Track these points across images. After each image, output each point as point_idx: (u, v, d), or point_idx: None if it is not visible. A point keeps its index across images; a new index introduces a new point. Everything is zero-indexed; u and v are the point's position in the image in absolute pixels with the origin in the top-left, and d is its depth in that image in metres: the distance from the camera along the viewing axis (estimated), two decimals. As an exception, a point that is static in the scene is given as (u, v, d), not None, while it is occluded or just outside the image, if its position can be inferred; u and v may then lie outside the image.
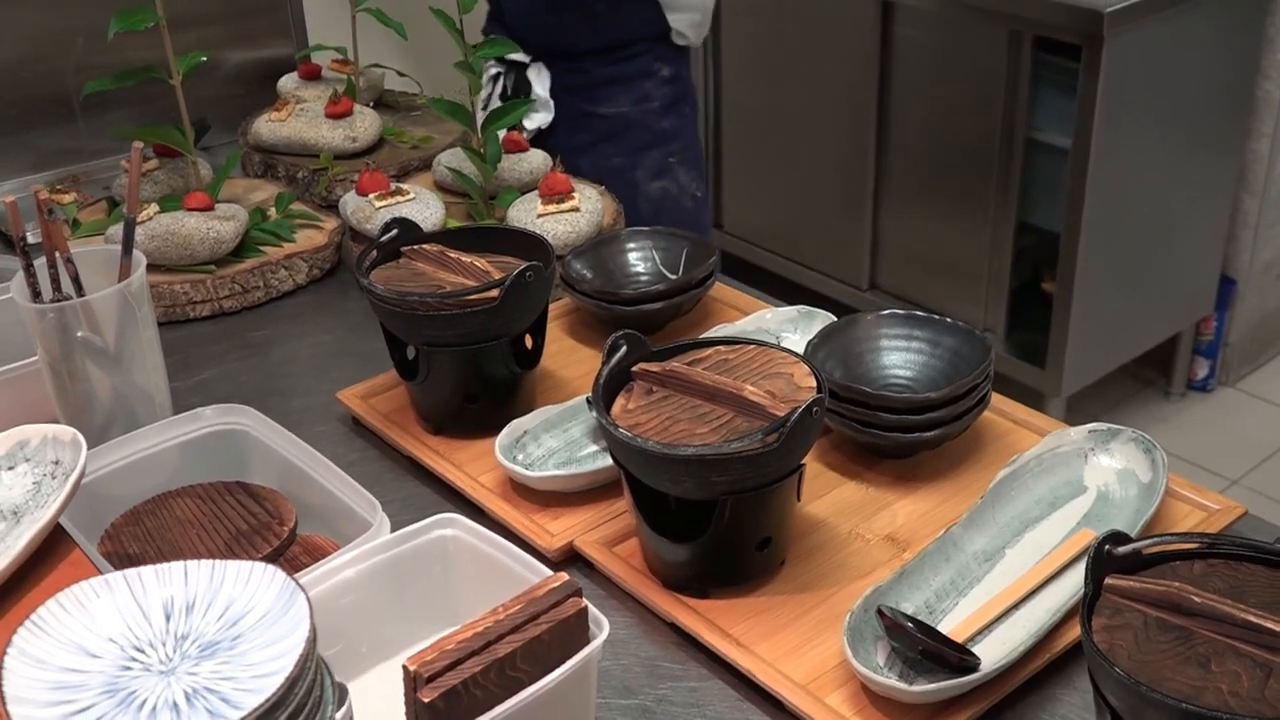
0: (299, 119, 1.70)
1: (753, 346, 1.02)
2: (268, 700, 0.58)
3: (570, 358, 1.30)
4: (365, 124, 1.69)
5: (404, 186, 1.48)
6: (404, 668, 0.78)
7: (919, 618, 0.91)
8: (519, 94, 1.90)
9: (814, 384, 0.97)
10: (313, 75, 1.83)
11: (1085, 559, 0.79)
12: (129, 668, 0.61)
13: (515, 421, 1.13)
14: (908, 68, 2.84)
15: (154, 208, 1.45)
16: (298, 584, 0.63)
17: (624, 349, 1.01)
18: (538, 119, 1.93)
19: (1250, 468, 2.86)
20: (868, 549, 1.02)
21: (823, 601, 0.97)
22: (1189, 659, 0.72)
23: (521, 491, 1.09)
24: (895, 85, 2.87)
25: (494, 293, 1.10)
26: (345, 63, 1.81)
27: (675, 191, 1.99)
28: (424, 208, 1.45)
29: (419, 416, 1.20)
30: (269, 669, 0.60)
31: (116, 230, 1.45)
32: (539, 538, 1.04)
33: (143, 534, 1.04)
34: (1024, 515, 1.02)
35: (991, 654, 0.88)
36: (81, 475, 0.96)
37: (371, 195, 1.46)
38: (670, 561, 0.98)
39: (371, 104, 1.83)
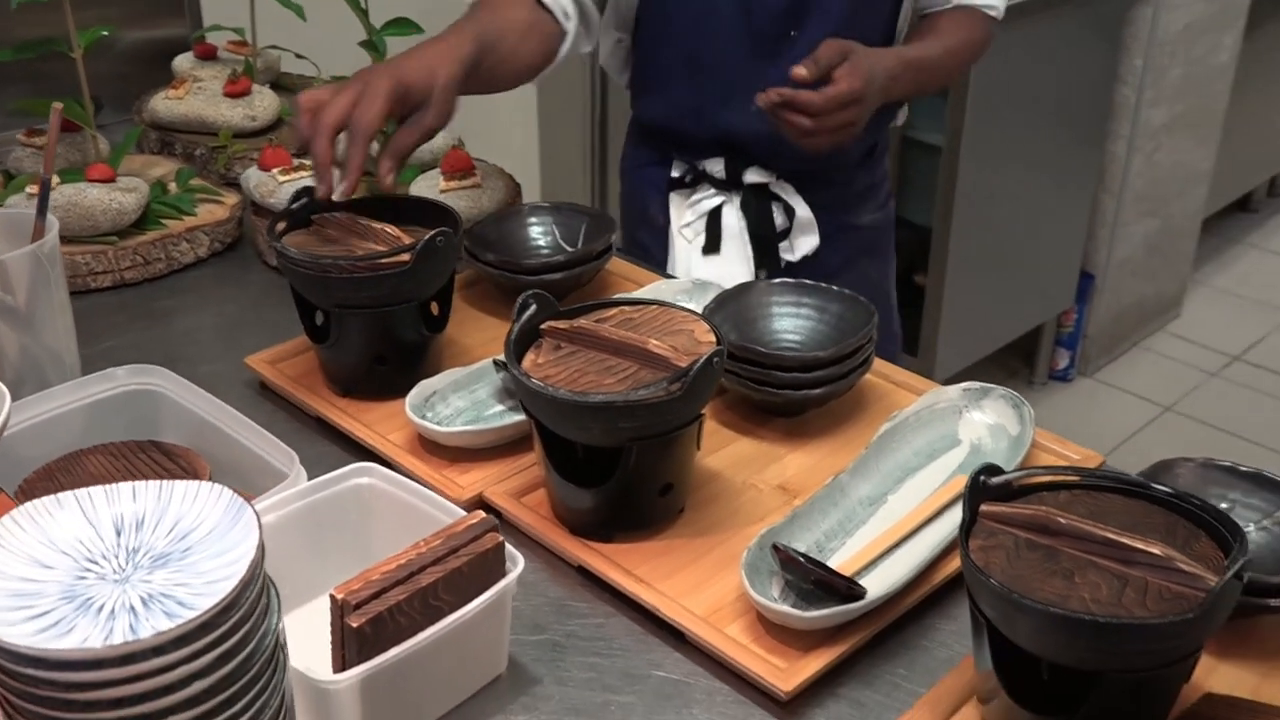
0: (197, 97, 1.71)
1: (655, 306, 1.08)
2: (222, 600, 0.62)
3: (474, 325, 1.34)
4: (265, 103, 1.71)
5: (306, 162, 1.51)
6: (331, 596, 0.82)
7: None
8: (764, 223, 1.57)
9: (713, 339, 1.03)
10: (208, 55, 1.85)
11: (962, 496, 0.87)
12: (84, 577, 0.65)
13: (424, 382, 1.18)
14: (788, 67, 2.93)
15: (55, 179, 1.45)
16: (245, 500, 0.67)
17: (533, 308, 1.06)
18: (804, 245, 1.58)
19: (1105, 453, 3.01)
20: (761, 497, 1.09)
21: (720, 544, 1.03)
22: (1055, 573, 0.80)
23: (430, 448, 1.14)
24: (776, 84, 2.96)
25: (405, 256, 1.14)
26: (242, 44, 1.83)
27: (893, 291, 1.75)
28: (327, 182, 1.47)
29: (328, 379, 1.23)
30: (221, 574, 0.63)
31: (15, 200, 1.45)
32: (449, 489, 1.08)
33: (56, 489, 1.06)
34: (904, 465, 1.10)
35: (876, 586, 0.95)
36: (4, 424, 0.98)
37: (275, 170, 1.49)
38: (576, 509, 1.03)
39: (268, 85, 1.84)
